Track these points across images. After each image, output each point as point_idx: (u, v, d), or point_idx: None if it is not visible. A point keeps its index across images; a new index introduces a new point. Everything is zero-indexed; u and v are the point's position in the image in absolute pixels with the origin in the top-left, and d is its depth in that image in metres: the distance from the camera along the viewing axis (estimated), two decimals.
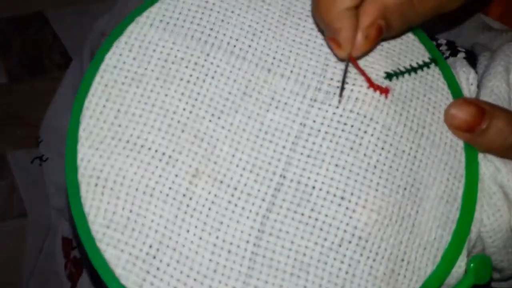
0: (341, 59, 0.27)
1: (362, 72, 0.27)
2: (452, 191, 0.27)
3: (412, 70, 0.28)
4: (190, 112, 0.26)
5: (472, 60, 0.33)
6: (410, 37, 0.29)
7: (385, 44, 0.29)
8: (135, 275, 0.24)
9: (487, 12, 0.38)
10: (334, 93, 0.27)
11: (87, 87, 0.27)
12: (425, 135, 0.27)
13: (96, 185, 0.25)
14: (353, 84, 0.27)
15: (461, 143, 0.28)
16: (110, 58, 0.27)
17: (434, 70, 0.29)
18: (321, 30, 0.28)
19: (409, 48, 0.29)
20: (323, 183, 0.26)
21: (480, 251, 0.29)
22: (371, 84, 0.27)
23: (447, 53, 0.34)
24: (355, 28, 0.26)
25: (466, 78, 0.29)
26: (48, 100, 0.55)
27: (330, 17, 0.25)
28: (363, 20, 0.26)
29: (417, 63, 0.29)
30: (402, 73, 0.28)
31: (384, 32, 0.26)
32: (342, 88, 0.27)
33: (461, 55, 0.33)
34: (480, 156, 0.28)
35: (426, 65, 0.29)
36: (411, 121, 0.27)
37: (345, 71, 0.27)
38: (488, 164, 0.28)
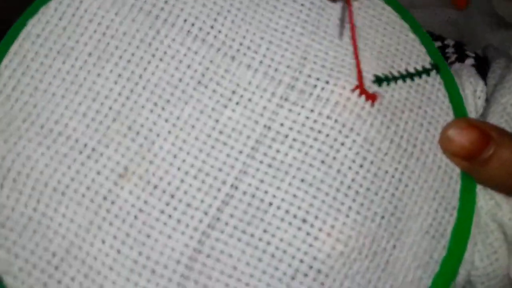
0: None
1: (357, 63, 0.22)
2: (441, 225, 0.22)
3: (408, 76, 0.24)
4: (127, 98, 0.22)
5: (482, 67, 0.28)
6: (409, 36, 0.25)
7: (378, 42, 0.24)
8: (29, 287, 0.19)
9: None
10: (311, 94, 0.22)
11: (0, 57, 0.22)
12: (415, 155, 0.22)
13: None
14: (334, 84, 0.22)
15: (457, 169, 0.23)
16: (34, 25, 0.22)
17: (435, 79, 0.24)
18: None
19: (407, 50, 0.24)
20: (283, 200, 0.21)
21: None
22: (359, 86, 0.22)
23: (453, 57, 0.29)
24: None
25: (473, 91, 0.25)
26: None
27: None
28: None
29: (415, 68, 0.24)
30: (395, 78, 0.23)
31: None
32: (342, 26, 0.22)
33: (469, 61, 0.28)
34: (479, 186, 0.23)
35: (426, 71, 0.24)
36: (400, 136, 0.22)
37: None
38: (487, 197, 0.23)
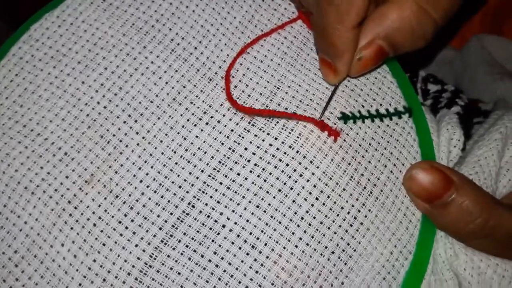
0: (330, 84, 0.24)
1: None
2: (394, 268, 0.22)
3: (378, 116, 0.24)
4: (105, 107, 0.23)
5: (469, 116, 0.28)
6: (387, 78, 0.25)
7: (352, 80, 0.24)
8: None
9: (501, 30, 0.33)
10: (277, 122, 0.23)
11: (1, 56, 0.23)
12: (374, 194, 0.23)
13: None
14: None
15: (418, 214, 0.23)
16: (35, 30, 0.24)
17: (407, 122, 0.24)
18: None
19: (381, 91, 0.25)
20: (236, 223, 0.21)
21: None
22: (321, 122, 0.23)
23: (443, 103, 0.29)
24: (355, 51, 0.22)
25: (449, 139, 0.25)
26: None
27: (335, 36, 0.22)
28: (361, 39, 0.22)
29: (386, 109, 0.24)
30: (362, 117, 0.24)
31: (390, 53, 0.23)
32: (325, 109, 0.23)
33: (455, 108, 0.28)
34: (441, 233, 0.23)
35: (398, 114, 0.24)
36: (360, 174, 0.23)
37: (332, 95, 0.23)
38: (447, 246, 0.23)
